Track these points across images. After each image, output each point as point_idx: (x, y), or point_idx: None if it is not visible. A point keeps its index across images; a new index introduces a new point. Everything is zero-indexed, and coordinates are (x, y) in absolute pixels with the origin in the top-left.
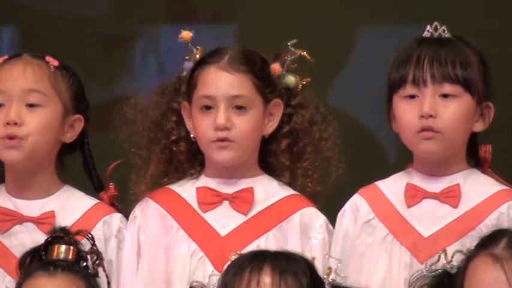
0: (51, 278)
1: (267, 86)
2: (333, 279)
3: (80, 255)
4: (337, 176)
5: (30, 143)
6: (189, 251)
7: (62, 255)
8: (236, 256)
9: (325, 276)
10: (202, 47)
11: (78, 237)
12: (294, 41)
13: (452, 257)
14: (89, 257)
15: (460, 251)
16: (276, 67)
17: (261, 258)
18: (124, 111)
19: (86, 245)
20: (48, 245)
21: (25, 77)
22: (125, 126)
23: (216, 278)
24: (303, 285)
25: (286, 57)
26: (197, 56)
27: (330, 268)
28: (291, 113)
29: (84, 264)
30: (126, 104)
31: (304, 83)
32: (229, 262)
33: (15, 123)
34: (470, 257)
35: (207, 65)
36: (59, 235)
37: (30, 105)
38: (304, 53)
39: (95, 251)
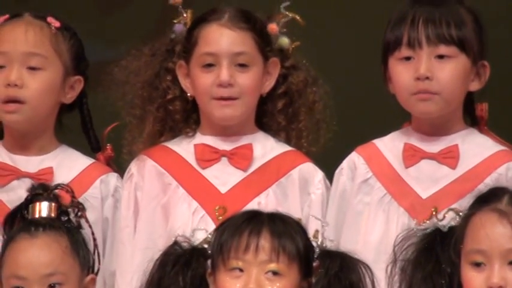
0: (33, 240)
1: (267, 44)
2: (322, 242)
3: (61, 209)
4: (326, 139)
5: (31, 107)
6: (190, 210)
7: (44, 213)
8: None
9: (312, 239)
10: (192, 10)
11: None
12: (287, 3)
13: (444, 215)
14: (70, 210)
15: (452, 210)
16: (273, 26)
17: (258, 221)
18: (114, 72)
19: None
20: (29, 203)
21: (27, 40)
22: (115, 87)
23: (201, 232)
24: (299, 249)
25: (280, 19)
26: (187, 19)
27: (317, 231)
28: (286, 74)
29: (66, 218)
30: (116, 65)
31: (293, 46)
32: (222, 221)
33: (16, 85)
34: (471, 213)
35: (207, 23)
36: (39, 192)
37: (31, 68)
38: (296, 16)
39: (75, 204)
